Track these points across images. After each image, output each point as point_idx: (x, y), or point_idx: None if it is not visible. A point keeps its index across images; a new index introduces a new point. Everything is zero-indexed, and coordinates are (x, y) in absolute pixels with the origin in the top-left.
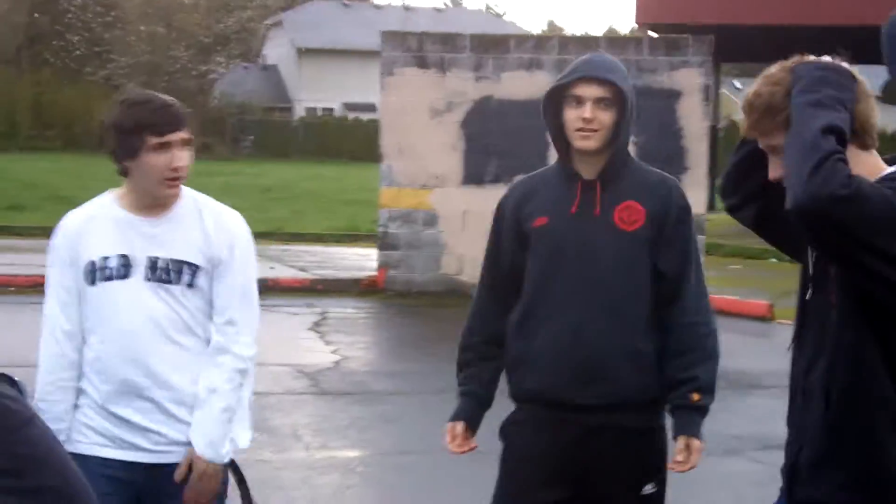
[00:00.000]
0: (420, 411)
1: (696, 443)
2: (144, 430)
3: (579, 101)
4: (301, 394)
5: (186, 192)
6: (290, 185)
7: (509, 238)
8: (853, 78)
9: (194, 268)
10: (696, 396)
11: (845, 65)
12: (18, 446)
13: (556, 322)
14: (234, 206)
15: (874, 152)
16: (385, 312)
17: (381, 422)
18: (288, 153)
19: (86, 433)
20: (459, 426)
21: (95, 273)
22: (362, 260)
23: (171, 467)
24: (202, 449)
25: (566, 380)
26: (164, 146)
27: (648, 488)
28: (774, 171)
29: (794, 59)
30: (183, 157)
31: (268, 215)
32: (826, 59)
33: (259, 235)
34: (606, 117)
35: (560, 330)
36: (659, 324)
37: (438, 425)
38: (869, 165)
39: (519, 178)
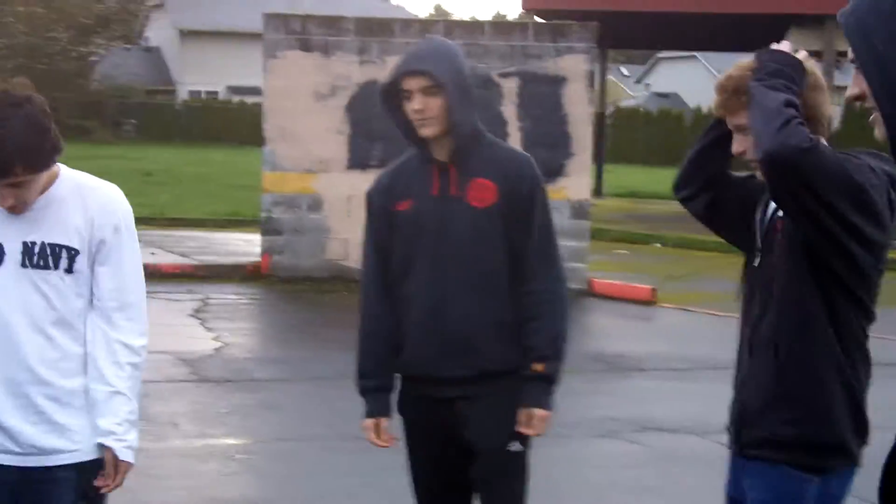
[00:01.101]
0: (302, 398)
1: (537, 412)
2: (16, 432)
3: (408, 94)
4: (181, 381)
5: (65, 172)
6: (172, 169)
7: (381, 225)
8: (804, 71)
9: (73, 252)
10: (538, 366)
11: (800, 55)
12: None
13: (421, 300)
14: None
15: (822, 139)
16: (268, 298)
17: (262, 409)
18: (171, 137)
19: None
20: (384, 421)
21: None
22: (246, 245)
23: (45, 471)
24: (125, 454)
25: (434, 354)
26: None
27: (514, 446)
28: (738, 146)
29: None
30: (10, 196)
31: (149, 200)
32: (785, 45)
33: (140, 220)
34: (436, 104)
35: (425, 307)
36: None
37: (320, 412)
38: None
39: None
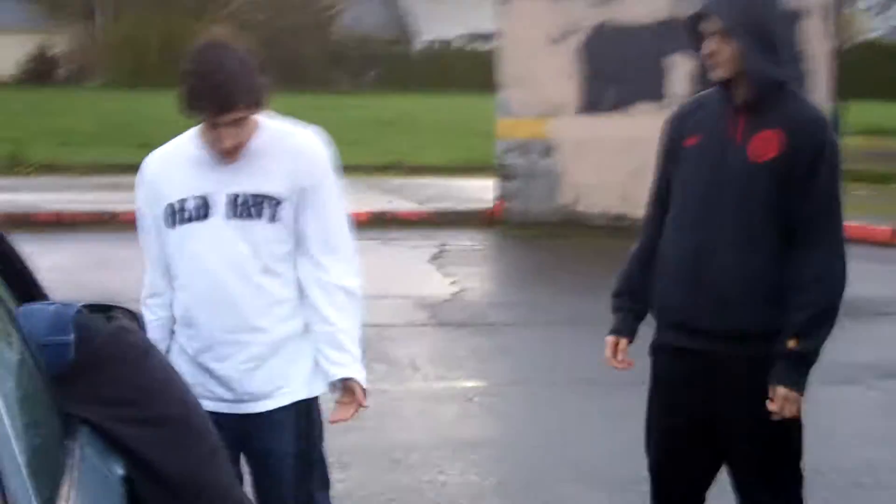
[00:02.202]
0: (537, 342)
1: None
2: (232, 380)
3: (703, 35)
4: (421, 325)
5: (265, 122)
6: (409, 117)
7: (668, 156)
8: None
9: (275, 201)
10: (791, 343)
11: None
12: (137, 377)
13: (681, 242)
14: (353, 140)
15: None
16: (502, 244)
17: (499, 352)
18: (408, 86)
19: None
20: (623, 341)
21: (175, 216)
22: (480, 192)
23: (263, 416)
24: (356, 373)
25: (693, 304)
26: (212, 125)
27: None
28: None
29: None
30: (230, 136)
31: (388, 148)
32: None
33: (379, 168)
34: (727, 49)
35: (683, 249)
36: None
37: (554, 355)
38: None
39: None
